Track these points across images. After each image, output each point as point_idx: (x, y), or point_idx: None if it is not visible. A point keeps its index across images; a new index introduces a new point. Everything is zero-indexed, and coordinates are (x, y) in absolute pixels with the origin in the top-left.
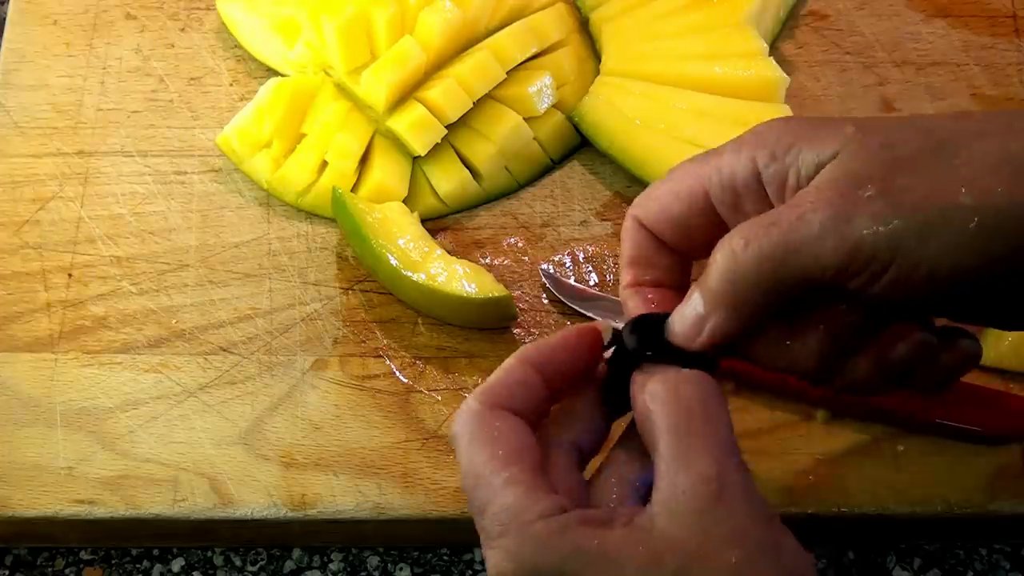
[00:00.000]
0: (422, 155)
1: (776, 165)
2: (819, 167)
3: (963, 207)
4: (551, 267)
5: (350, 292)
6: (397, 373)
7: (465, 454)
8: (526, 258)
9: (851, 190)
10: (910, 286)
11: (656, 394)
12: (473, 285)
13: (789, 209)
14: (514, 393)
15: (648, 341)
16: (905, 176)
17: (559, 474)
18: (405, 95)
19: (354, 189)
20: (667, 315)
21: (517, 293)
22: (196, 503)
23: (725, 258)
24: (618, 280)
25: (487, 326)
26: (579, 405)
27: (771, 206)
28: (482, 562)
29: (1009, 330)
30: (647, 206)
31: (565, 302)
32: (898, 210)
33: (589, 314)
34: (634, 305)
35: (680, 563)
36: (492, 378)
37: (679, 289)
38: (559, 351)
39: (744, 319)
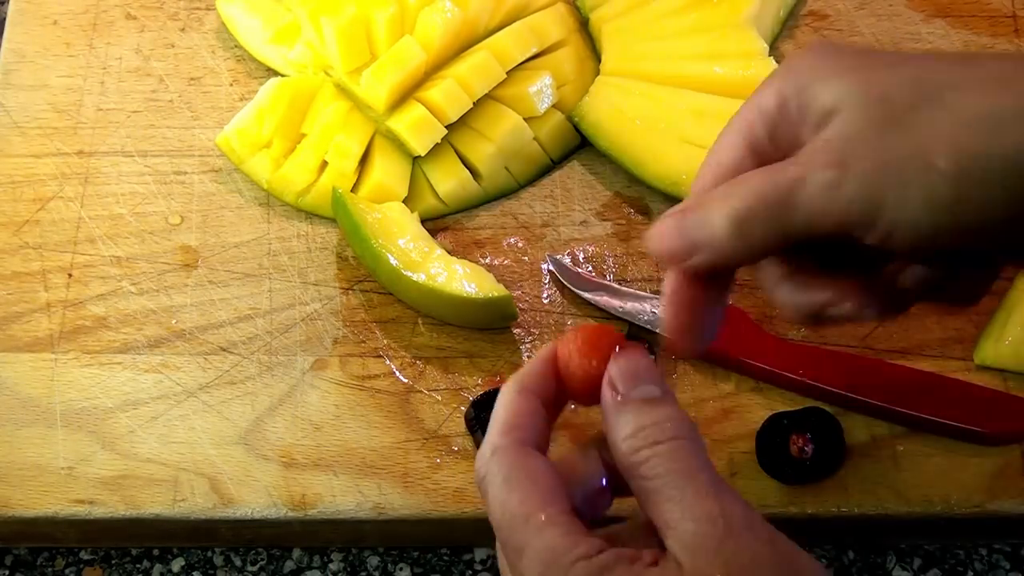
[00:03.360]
0: (422, 155)
1: (796, 101)
2: (825, 115)
3: (938, 169)
4: (558, 256)
5: (350, 292)
6: (397, 373)
7: (499, 495)
8: (526, 258)
9: (843, 156)
10: (898, 241)
11: (648, 439)
12: (473, 285)
13: (793, 167)
14: (528, 425)
15: None
16: (893, 135)
17: None
18: (405, 95)
19: (354, 189)
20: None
21: (517, 293)
22: (196, 503)
23: (736, 203)
24: (617, 280)
25: (487, 326)
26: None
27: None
28: (482, 562)
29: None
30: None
31: (572, 289)
32: (883, 175)
33: (593, 300)
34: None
35: None
36: (504, 414)
37: None
38: (549, 376)
39: (746, 250)
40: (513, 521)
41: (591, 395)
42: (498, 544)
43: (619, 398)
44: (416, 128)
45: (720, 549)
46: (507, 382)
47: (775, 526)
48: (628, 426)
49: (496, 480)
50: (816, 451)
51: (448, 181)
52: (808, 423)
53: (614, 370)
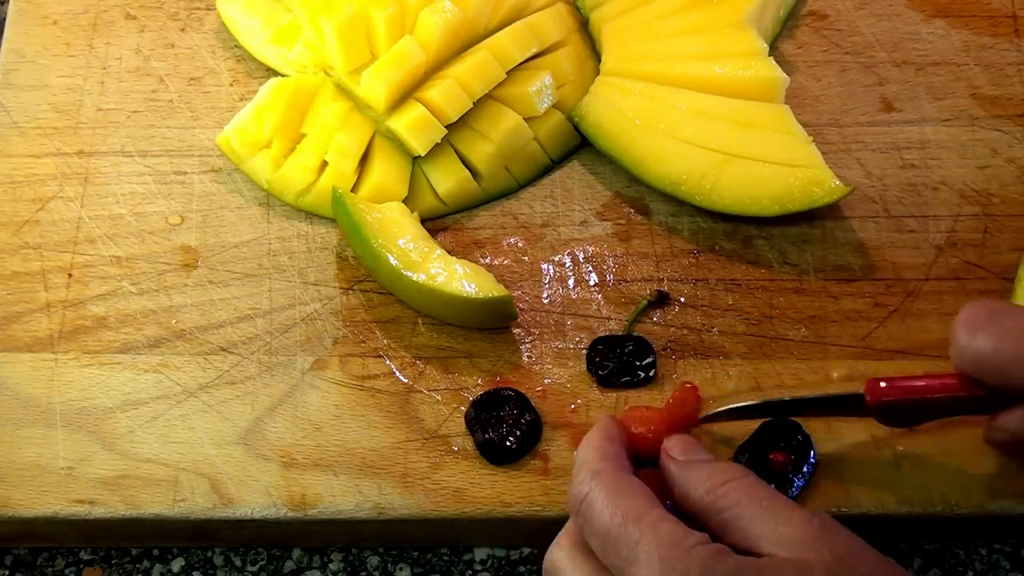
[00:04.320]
0: (422, 155)
1: None
2: None
3: None
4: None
5: (350, 292)
6: (397, 373)
7: (607, 504)
8: (526, 258)
9: None
10: None
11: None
12: (473, 285)
13: None
14: (619, 458)
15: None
16: None
17: None
18: (405, 95)
19: (354, 189)
20: None
21: (517, 293)
22: (196, 503)
23: None
24: (617, 280)
25: (487, 326)
26: None
27: None
28: (482, 562)
29: None
30: None
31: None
32: None
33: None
34: None
35: (827, 571)
36: (597, 450)
37: None
38: (624, 432)
39: None
40: (626, 520)
41: (652, 451)
42: (561, 553)
43: (679, 464)
44: (416, 128)
45: (822, 540)
46: (589, 434)
47: None
48: (700, 475)
49: (600, 495)
50: (795, 461)
51: (448, 181)
52: (774, 438)
53: (669, 445)
